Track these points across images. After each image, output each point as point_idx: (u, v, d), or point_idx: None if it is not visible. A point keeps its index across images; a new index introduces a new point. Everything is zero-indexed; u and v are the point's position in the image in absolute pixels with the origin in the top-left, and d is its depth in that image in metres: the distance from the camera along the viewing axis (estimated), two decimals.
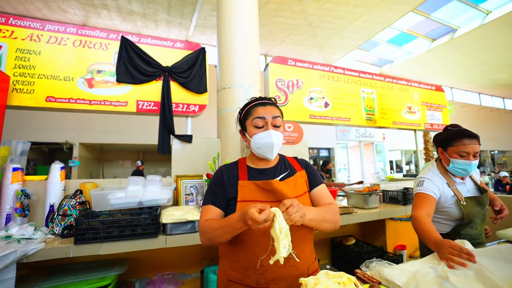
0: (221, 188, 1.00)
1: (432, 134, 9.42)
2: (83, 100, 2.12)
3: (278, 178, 1.00)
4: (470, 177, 1.45)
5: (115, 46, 2.25)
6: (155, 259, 2.00)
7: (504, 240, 1.21)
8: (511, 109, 15.33)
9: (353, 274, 0.82)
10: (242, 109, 1.07)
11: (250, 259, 0.90)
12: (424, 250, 1.45)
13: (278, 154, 1.10)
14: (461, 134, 1.32)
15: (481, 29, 7.66)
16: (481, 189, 1.42)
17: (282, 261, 0.72)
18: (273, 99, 1.07)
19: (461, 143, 1.30)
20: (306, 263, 0.94)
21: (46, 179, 1.86)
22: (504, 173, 6.51)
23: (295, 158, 1.15)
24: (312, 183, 1.05)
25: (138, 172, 7.30)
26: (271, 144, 0.97)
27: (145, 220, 1.54)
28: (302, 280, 0.71)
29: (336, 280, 0.70)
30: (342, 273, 0.73)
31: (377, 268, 0.84)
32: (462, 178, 1.40)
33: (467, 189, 1.40)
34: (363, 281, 0.81)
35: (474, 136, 1.31)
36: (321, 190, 1.05)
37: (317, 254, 1.07)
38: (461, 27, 8.01)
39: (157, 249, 1.58)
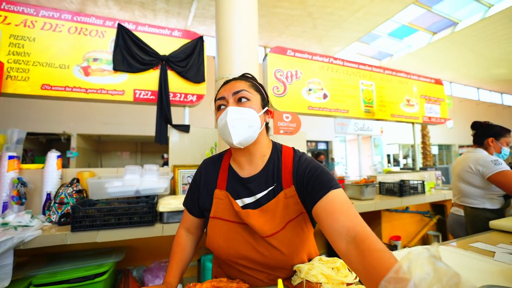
0: (195, 192, 0.86)
1: (430, 128, 9.47)
2: (79, 88, 2.09)
3: (254, 199, 0.76)
4: None
5: (112, 33, 2.21)
6: (152, 247, 2.02)
7: (498, 230, 1.23)
8: (509, 104, 15.34)
9: None
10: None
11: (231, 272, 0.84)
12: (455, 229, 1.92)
13: (273, 144, 0.84)
14: (508, 130, 1.88)
15: (483, 22, 7.59)
16: None
17: None
18: (246, 74, 0.86)
19: (509, 135, 1.86)
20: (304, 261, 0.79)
21: (43, 167, 1.86)
22: None
23: (294, 155, 0.80)
24: (314, 196, 0.67)
25: (166, 163, 7.41)
26: (225, 123, 0.72)
27: (142, 209, 1.55)
28: (297, 267, 0.72)
29: (329, 265, 0.70)
30: (335, 258, 0.73)
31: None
32: None
33: None
34: None
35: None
36: (328, 203, 0.64)
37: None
38: (463, 21, 7.93)
39: (154, 238, 1.59)
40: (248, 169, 0.80)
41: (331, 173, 0.72)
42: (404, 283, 0.32)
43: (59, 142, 7.45)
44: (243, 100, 0.76)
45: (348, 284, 0.63)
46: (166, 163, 7.41)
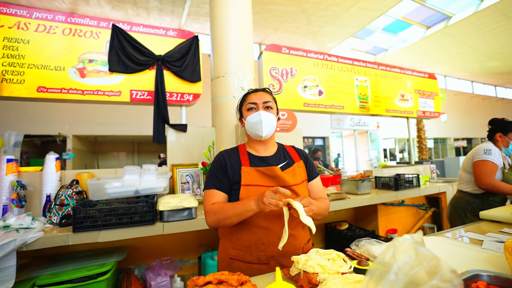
0: (224, 172, 1.04)
1: (426, 122, 9.57)
2: (76, 90, 2.09)
3: (279, 166, 1.06)
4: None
5: (107, 34, 2.21)
6: (153, 246, 2.04)
7: (488, 219, 1.27)
8: (503, 97, 15.53)
9: (344, 253, 0.87)
10: (240, 98, 1.17)
11: (251, 238, 0.97)
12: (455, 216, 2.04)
13: (277, 143, 1.18)
14: None
15: (476, 16, 7.66)
16: None
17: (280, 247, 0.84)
18: (267, 89, 1.16)
19: None
20: (301, 242, 1.03)
21: (41, 170, 1.87)
22: None
23: (293, 147, 1.20)
24: (311, 175, 1.14)
25: (163, 163, 7.45)
26: (260, 121, 1.04)
27: (142, 208, 1.57)
28: (294, 257, 0.75)
29: (325, 257, 0.74)
30: (331, 250, 0.77)
31: (366, 246, 0.88)
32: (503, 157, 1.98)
33: (508, 163, 2.01)
34: (352, 258, 0.86)
35: None
36: (317, 182, 1.16)
37: (311, 239, 1.13)
38: (456, 14, 7.99)
39: (155, 237, 1.62)
40: (264, 153, 1.11)
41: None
42: (388, 267, 0.35)
43: (55, 144, 7.41)
44: (269, 108, 1.09)
45: (343, 273, 0.67)
46: (163, 163, 7.49)
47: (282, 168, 1.06)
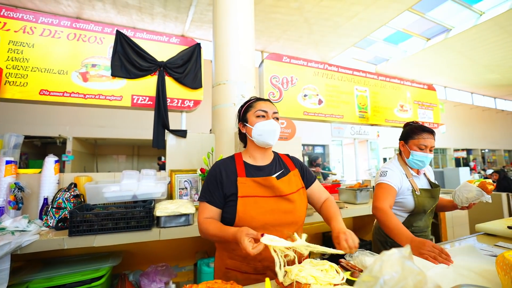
0: (217, 186, 1.04)
1: None
2: (78, 94, 2.12)
3: (275, 176, 1.07)
4: (424, 174, 1.56)
5: (110, 40, 2.25)
6: (149, 252, 2.03)
7: (482, 233, 1.27)
8: (502, 109, 15.60)
9: (338, 264, 0.87)
10: (244, 104, 1.17)
11: None
12: (377, 242, 1.58)
13: (272, 151, 1.19)
14: (421, 129, 1.45)
15: (475, 29, 7.77)
16: (432, 185, 1.53)
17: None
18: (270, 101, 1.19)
19: (421, 137, 1.42)
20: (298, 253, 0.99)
21: (40, 172, 1.87)
22: (490, 171, 6.73)
23: (287, 155, 1.22)
24: (309, 181, 1.17)
25: (162, 167, 7.49)
26: (273, 130, 1.07)
27: (139, 213, 1.57)
28: (287, 268, 0.75)
29: (319, 268, 0.74)
30: (325, 261, 0.77)
31: (360, 258, 0.89)
32: (418, 172, 1.51)
33: (421, 183, 1.50)
34: (346, 269, 0.86)
35: (432, 132, 1.45)
36: (318, 186, 1.20)
37: None
38: (456, 27, 8.11)
39: (151, 242, 1.61)
40: (261, 162, 1.12)
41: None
42: (375, 280, 0.36)
43: (54, 145, 7.42)
44: (277, 119, 1.12)
45: (335, 285, 0.67)
46: (162, 167, 7.51)
47: (278, 177, 1.07)
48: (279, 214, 1.00)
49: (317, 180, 1.20)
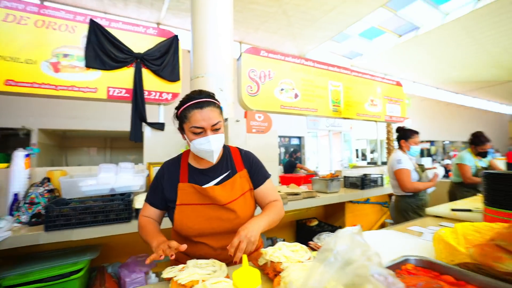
0: (159, 189, 1.03)
1: (394, 126, 10.21)
2: (49, 85, 2.03)
3: (216, 182, 1.01)
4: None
5: (83, 29, 2.15)
6: (128, 244, 2.05)
7: (432, 215, 1.47)
8: (463, 104, 16.94)
9: (308, 246, 0.98)
10: (178, 107, 1.00)
11: (199, 253, 0.99)
12: (401, 211, 2.36)
13: (224, 145, 1.09)
14: (415, 132, 2.42)
15: (441, 28, 8.29)
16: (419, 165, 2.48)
17: None
18: (211, 94, 1.01)
19: (416, 136, 2.40)
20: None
21: (8, 167, 1.80)
22: (447, 161, 7.42)
23: (239, 150, 1.13)
24: (257, 182, 1.08)
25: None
26: (210, 151, 0.96)
27: (118, 206, 1.59)
28: (263, 250, 0.84)
29: (291, 249, 0.84)
30: (296, 243, 0.87)
31: (326, 240, 1.00)
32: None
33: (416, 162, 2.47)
34: (314, 250, 0.98)
35: (418, 133, 2.44)
36: (266, 187, 1.09)
37: (283, 235, 1.22)
38: (424, 26, 8.60)
39: (129, 234, 1.63)
40: (206, 164, 1.04)
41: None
42: (330, 251, 0.46)
43: (17, 137, 6.90)
44: (218, 127, 0.97)
45: (303, 262, 0.77)
46: None
47: (222, 181, 1.02)
48: (218, 223, 0.97)
49: (268, 180, 1.11)
